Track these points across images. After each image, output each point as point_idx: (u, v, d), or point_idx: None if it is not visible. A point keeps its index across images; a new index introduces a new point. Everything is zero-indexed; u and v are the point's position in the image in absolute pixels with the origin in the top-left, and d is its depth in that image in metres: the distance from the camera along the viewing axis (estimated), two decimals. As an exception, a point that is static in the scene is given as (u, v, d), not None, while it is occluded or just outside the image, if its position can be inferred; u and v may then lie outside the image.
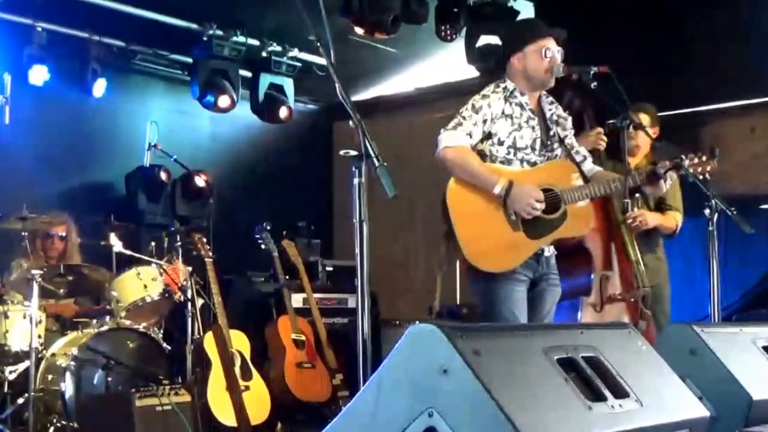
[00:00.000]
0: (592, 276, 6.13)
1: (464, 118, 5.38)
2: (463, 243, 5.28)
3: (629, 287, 6.31)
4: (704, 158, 5.57)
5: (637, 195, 6.68)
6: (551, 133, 5.56)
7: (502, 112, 5.41)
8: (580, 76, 5.38)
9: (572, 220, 5.33)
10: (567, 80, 5.50)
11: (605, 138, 6.44)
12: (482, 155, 5.41)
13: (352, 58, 10.68)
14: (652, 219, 6.85)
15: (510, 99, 5.46)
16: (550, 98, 5.65)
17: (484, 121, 5.37)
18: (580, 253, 5.95)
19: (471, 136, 5.35)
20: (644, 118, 6.91)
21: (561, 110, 5.69)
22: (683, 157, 5.55)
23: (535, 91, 5.55)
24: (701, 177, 5.56)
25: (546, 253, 5.49)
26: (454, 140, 5.33)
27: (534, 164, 5.46)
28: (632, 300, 6.32)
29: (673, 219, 6.97)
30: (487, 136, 5.41)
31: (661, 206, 7.00)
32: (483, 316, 5.46)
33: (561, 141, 5.59)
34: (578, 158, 5.64)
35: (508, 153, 5.40)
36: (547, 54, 5.42)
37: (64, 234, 8.47)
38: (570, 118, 5.72)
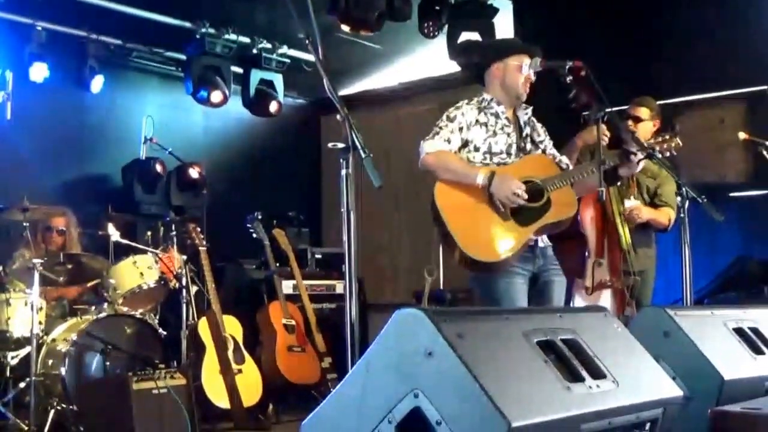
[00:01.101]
0: (586, 256, 6.15)
1: (440, 128, 5.40)
2: (459, 239, 5.23)
3: (617, 275, 6.30)
4: (667, 136, 5.55)
5: (634, 190, 6.69)
6: (524, 134, 5.54)
7: (476, 121, 5.42)
8: (557, 71, 5.36)
9: (557, 205, 5.30)
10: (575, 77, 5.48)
11: (608, 132, 6.36)
12: None
13: (338, 54, 10.68)
14: (646, 213, 6.78)
15: (485, 110, 5.47)
16: (524, 105, 5.63)
17: (460, 129, 5.38)
18: (574, 237, 5.96)
19: (449, 142, 5.35)
20: (644, 112, 6.88)
21: (536, 121, 5.67)
22: (649, 139, 5.53)
23: (510, 105, 5.54)
24: (668, 154, 5.52)
25: (540, 244, 5.44)
26: (433, 146, 5.33)
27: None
28: (620, 287, 6.31)
29: (666, 215, 6.87)
30: (464, 144, 5.40)
31: (654, 201, 6.95)
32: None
33: (535, 143, 5.57)
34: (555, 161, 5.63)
35: (484, 158, 5.38)
36: (524, 70, 5.45)
37: (63, 228, 8.43)
38: (544, 128, 5.72)
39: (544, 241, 5.48)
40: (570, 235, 5.85)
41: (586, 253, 6.21)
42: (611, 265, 6.33)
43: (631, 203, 6.72)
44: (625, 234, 6.44)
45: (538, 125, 5.68)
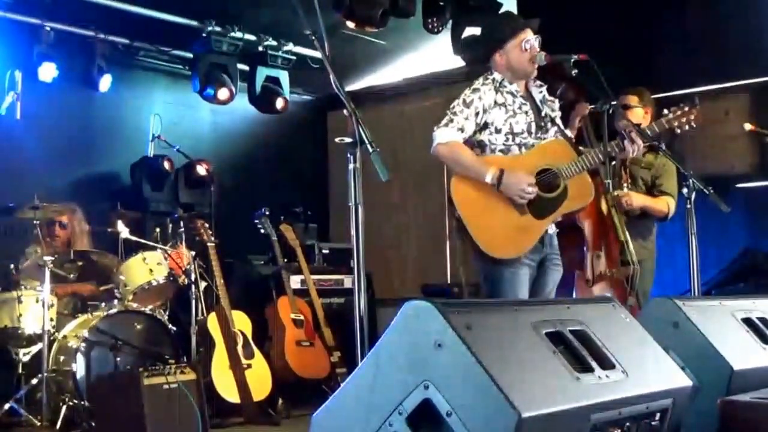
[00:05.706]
0: (585, 250, 6.10)
1: (455, 113, 5.32)
2: (476, 234, 5.20)
3: (615, 266, 6.25)
4: (686, 108, 5.46)
5: (627, 181, 6.62)
6: (543, 114, 5.49)
7: (495, 102, 5.36)
8: (562, 64, 5.32)
9: (573, 194, 5.26)
10: (560, 72, 5.46)
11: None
12: (482, 145, 5.35)
13: (343, 51, 10.65)
14: (638, 200, 6.61)
15: (500, 89, 5.41)
16: (538, 81, 5.59)
17: (477, 114, 5.31)
18: (573, 230, 5.92)
19: (463, 131, 5.29)
20: (633, 99, 6.76)
21: (548, 94, 5.62)
22: (666, 111, 5.46)
23: (521, 81, 5.49)
24: (687, 127, 5.44)
25: (549, 231, 5.42)
26: (446, 137, 5.28)
27: (532, 147, 5.40)
28: (619, 278, 6.27)
29: (665, 203, 6.70)
30: (484, 126, 5.34)
31: (653, 190, 6.84)
32: (487, 297, 5.39)
33: (553, 121, 5.53)
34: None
35: (507, 140, 5.33)
36: (526, 46, 5.39)
37: (65, 221, 8.44)
38: (557, 101, 5.66)
39: (551, 228, 5.45)
40: (569, 228, 5.81)
41: (585, 246, 6.16)
42: (608, 256, 6.27)
43: (623, 191, 6.60)
44: (620, 224, 6.38)
45: (555, 103, 5.64)
